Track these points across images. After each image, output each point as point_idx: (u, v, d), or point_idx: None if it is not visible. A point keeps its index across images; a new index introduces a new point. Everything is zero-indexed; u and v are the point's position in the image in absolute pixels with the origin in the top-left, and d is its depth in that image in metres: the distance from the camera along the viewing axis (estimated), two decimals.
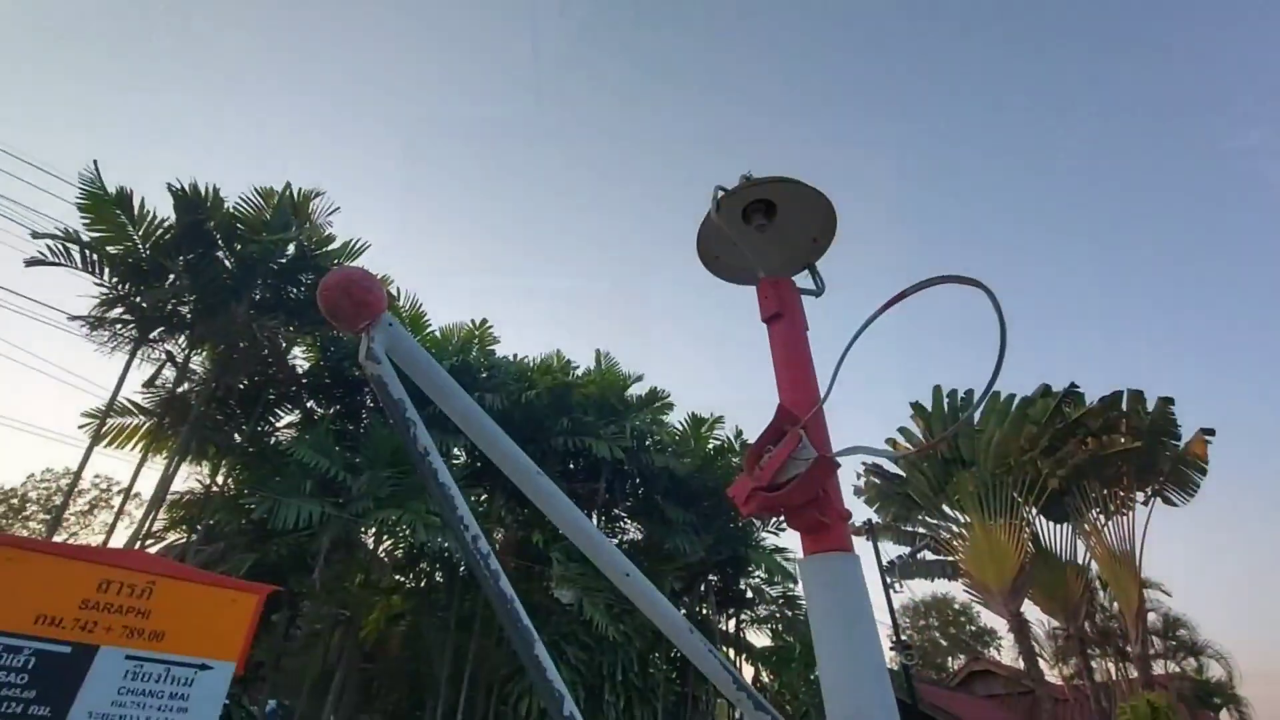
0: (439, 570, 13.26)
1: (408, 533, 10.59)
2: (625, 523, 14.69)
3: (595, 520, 14.17)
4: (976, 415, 16.71)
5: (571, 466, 13.09)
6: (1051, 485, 15.02)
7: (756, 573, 15.19)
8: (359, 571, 12.01)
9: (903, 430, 17.55)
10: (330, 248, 11.65)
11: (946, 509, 16.65)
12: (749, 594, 15.52)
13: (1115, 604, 17.26)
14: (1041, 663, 16.47)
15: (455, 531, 0.98)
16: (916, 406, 17.31)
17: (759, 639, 16.01)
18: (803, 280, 2.42)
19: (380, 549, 12.59)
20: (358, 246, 11.94)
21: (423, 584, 13.65)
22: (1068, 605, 15.48)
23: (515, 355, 14.03)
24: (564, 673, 11.24)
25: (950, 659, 36.57)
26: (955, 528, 16.52)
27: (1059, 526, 16.16)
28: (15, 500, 32.32)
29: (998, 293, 1.57)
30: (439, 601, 12.64)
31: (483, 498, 12.72)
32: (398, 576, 13.56)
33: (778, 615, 15.37)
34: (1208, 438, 15.00)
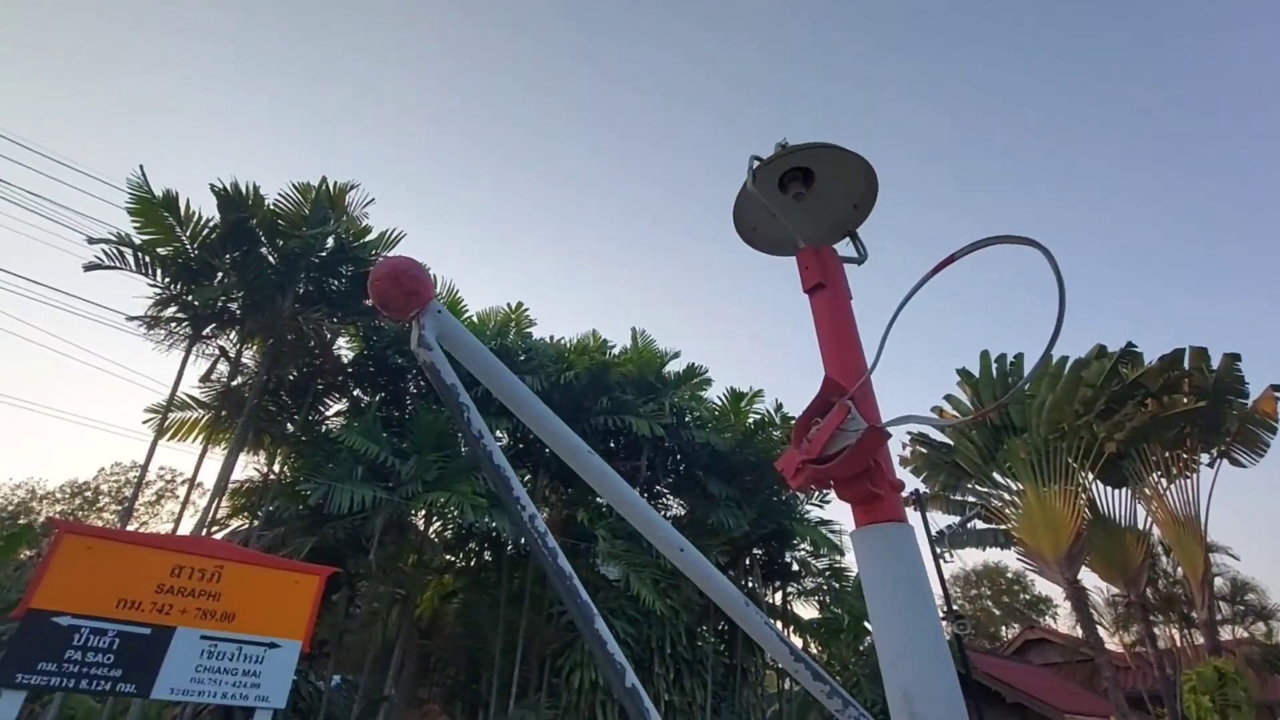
0: (487, 549, 13.62)
1: (456, 514, 10.87)
2: (668, 499, 14.80)
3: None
4: (1027, 379, 16.19)
5: (612, 445, 13.20)
6: (1108, 449, 14.50)
7: (801, 546, 15.16)
8: (411, 552, 12.41)
9: (949, 398, 17.14)
10: (367, 239, 11.88)
11: (997, 477, 16.24)
12: (794, 567, 15.52)
13: (1179, 569, 16.68)
14: (1101, 630, 16.07)
15: (511, 511, 0.99)
16: (963, 373, 16.84)
17: (806, 611, 16.03)
18: (844, 249, 2.37)
19: (430, 530, 12.97)
20: (394, 236, 12.14)
21: (472, 563, 14.05)
22: (1128, 571, 15.02)
23: (552, 337, 14.16)
24: (589, 647, 11.44)
25: (1004, 628, 36.04)
26: (1007, 495, 16.11)
27: (1117, 492, 15.62)
28: (89, 493, 34.33)
29: (1053, 251, 1.50)
30: (489, 579, 13.01)
31: (526, 479, 12.95)
32: (448, 556, 13.97)
33: (824, 587, 15.34)
34: (1278, 394, 14.26)
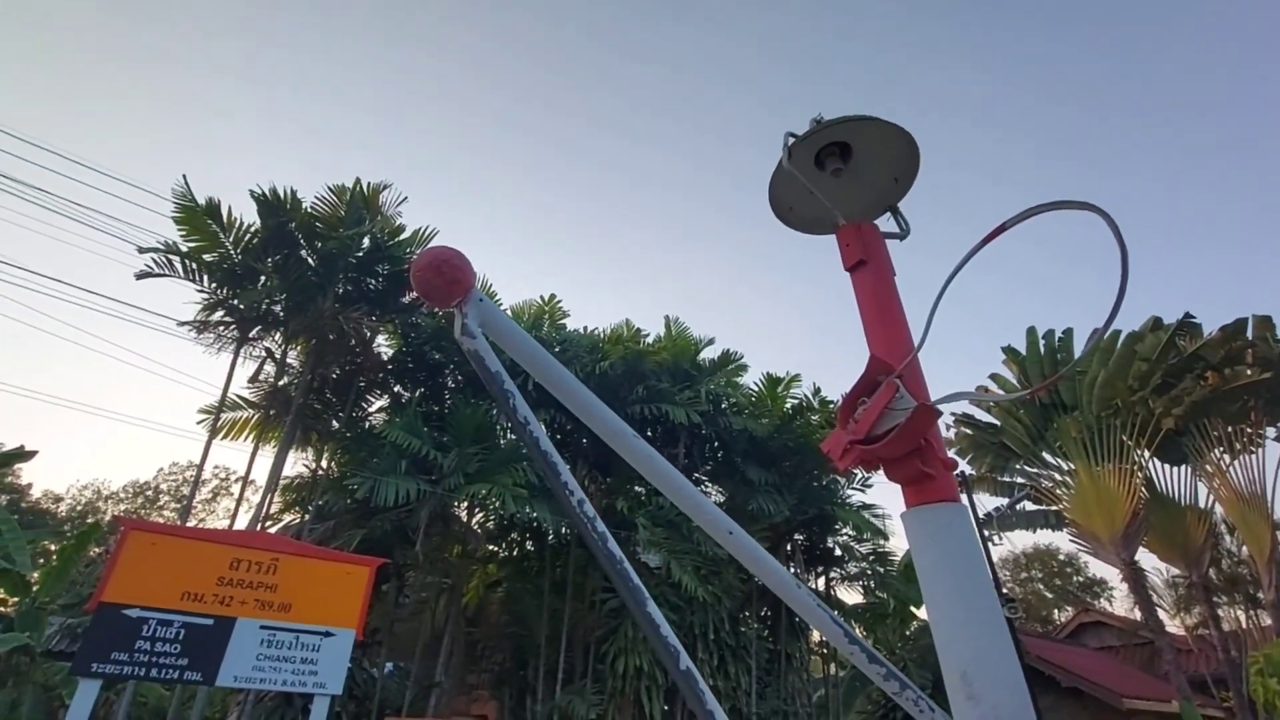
0: (529, 539, 13.82)
1: (497, 505, 11.04)
2: (707, 486, 14.77)
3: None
4: (1089, 349, 15.64)
5: (649, 434, 13.19)
6: (1166, 425, 13.93)
7: (844, 530, 14.99)
8: (456, 543, 12.67)
9: (995, 377, 16.68)
10: (401, 237, 12.09)
11: (1047, 456, 15.76)
12: (837, 552, 15.35)
13: (1244, 548, 15.97)
14: (1160, 613, 15.52)
15: (561, 497, 0.99)
16: (1009, 351, 16.35)
17: (850, 596, 15.87)
18: (885, 224, 2.30)
19: (473, 521, 13.22)
20: (427, 234, 12.31)
21: (515, 552, 14.27)
22: (1189, 552, 14.45)
23: (586, 328, 14.22)
24: (642, 631, 11.53)
25: (1056, 611, 35.13)
26: (1058, 476, 15.64)
27: (1176, 469, 15.03)
28: (150, 492, 35.97)
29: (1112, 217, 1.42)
30: (531, 568, 13.21)
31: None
32: (491, 546, 14.21)
33: (869, 572, 15.14)
34: None
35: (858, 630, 19.43)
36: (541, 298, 14.09)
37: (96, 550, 21.24)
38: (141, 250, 10.81)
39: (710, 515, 1.14)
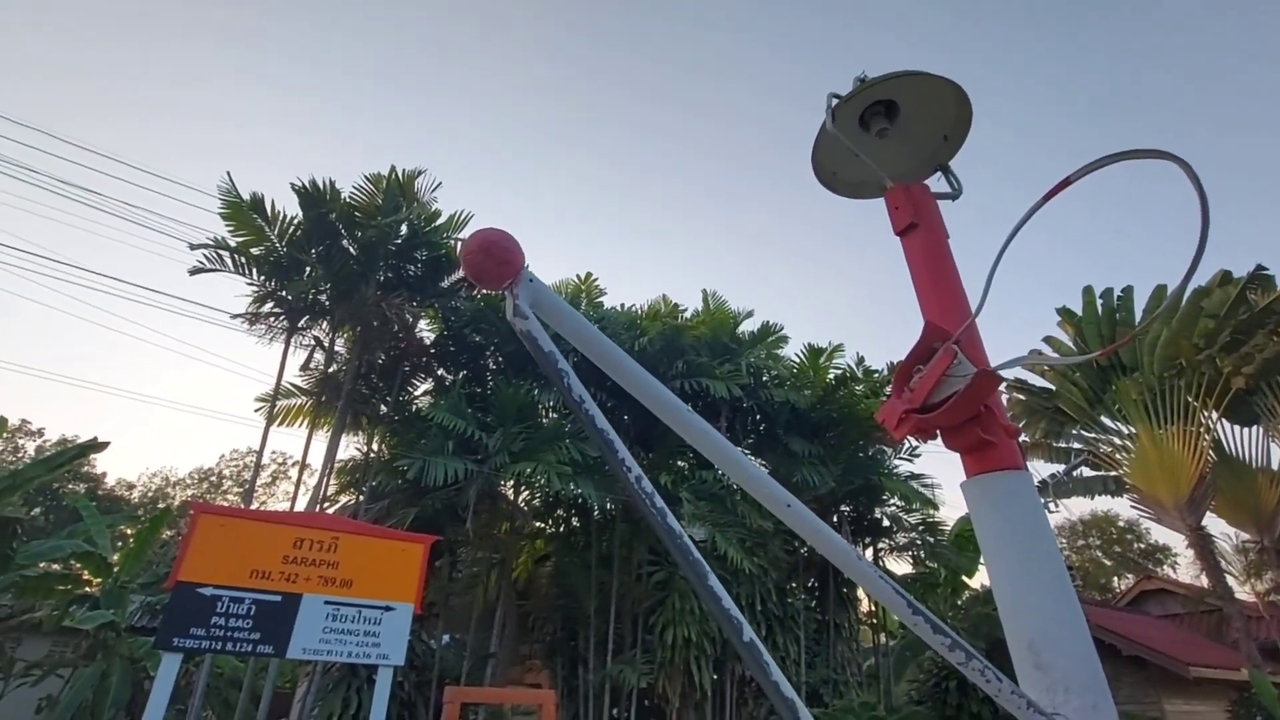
0: (575, 515, 14.06)
1: (543, 482, 11.25)
2: (750, 459, 14.72)
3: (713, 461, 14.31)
4: (1132, 313, 14.94)
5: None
6: (1235, 385, 13.22)
7: (892, 501, 14.81)
8: (504, 520, 12.99)
9: (1049, 339, 16.09)
10: (438, 223, 12.24)
11: (1106, 420, 15.16)
12: (885, 523, 15.19)
13: None
14: (1229, 579, 14.91)
15: (619, 473, 0.99)
16: (1064, 312, 15.72)
17: (899, 566, 15.73)
18: (935, 184, 2.21)
19: (520, 499, 13.51)
20: (463, 218, 12.45)
21: (562, 528, 14.55)
22: (1261, 516, 13.79)
23: (623, 305, 14.22)
24: (704, 604, 11.69)
25: (1116, 579, 34.18)
26: (1118, 440, 15.06)
27: (1246, 430, 14.30)
28: (214, 478, 37.82)
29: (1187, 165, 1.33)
30: (578, 543, 13.46)
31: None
32: (538, 523, 14.53)
33: (918, 542, 14.96)
34: None
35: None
36: (578, 276, 14.14)
37: (168, 533, 22.51)
38: (193, 247, 11.22)
39: (767, 488, 1.13)
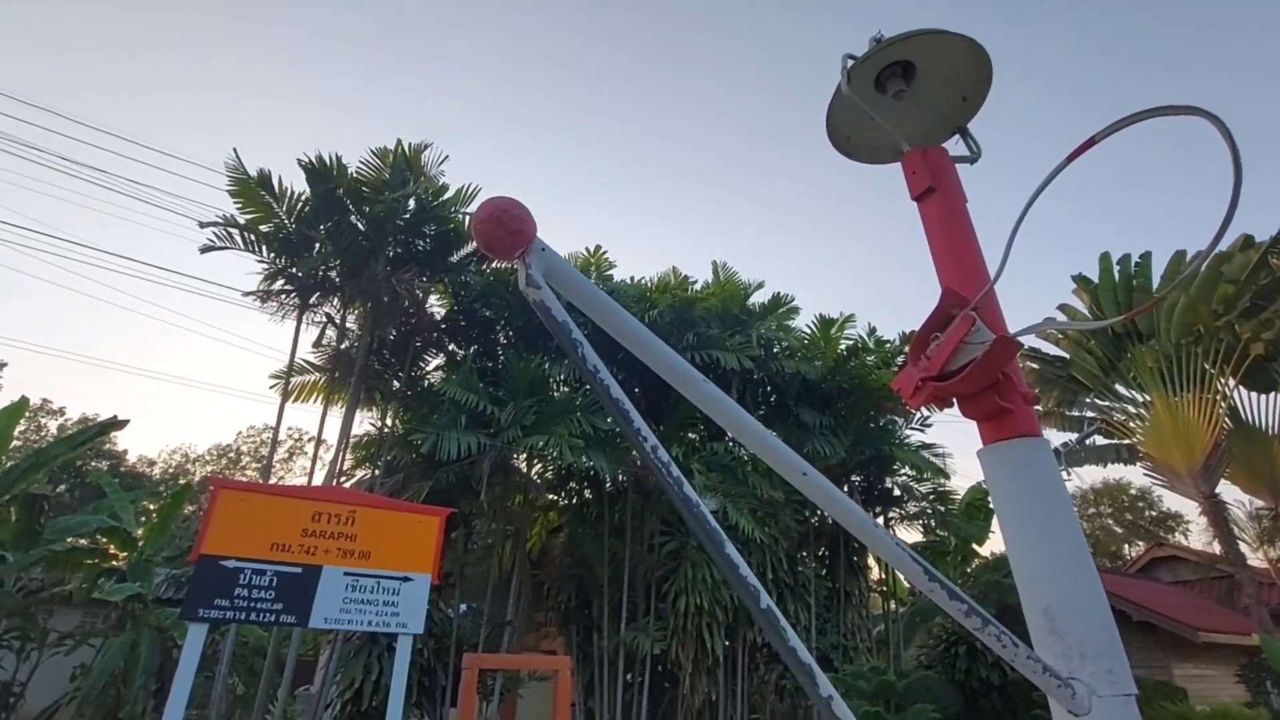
0: (587, 487, 14.20)
1: (554, 455, 11.34)
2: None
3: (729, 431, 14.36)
4: (1150, 279, 14.71)
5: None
6: (1254, 351, 13.04)
7: (903, 471, 14.84)
8: (518, 492, 13.15)
9: (1064, 307, 15.89)
10: (445, 197, 12.14)
11: (1120, 388, 15.05)
12: (896, 492, 15.25)
13: None
14: (1242, 546, 14.90)
15: (634, 442, 0.99)
16: (1080, 279, 15.49)
17: (910, 535, 15.82)
18: (953, 148, 2.15)
19: (533, 471, 13.65)
20: (470, 191, 12.35)
21: (574, 500, 14.71)
22: (1276, 483, 13.71)
23: (632, 278, 14.14)
24: (716, 572, 11.85)
25: (1127, 546, 34.25)
26: (1132, 408, 14.95)
27: (1264, 397, 14.15)
28: (232, 454, 38.45)
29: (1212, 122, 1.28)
30: (590, 514, 13.62)
31: (609, 419, 13.26)
32: (551, 495, 14.70)
33: (929, 511, 15.02)
34: None
35: None
36: (587, 249, 14.06)
37: (190, 508, 22.99)
38: (202, 225, 11.23)
39: (784, 457, 1.12)
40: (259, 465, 36.68)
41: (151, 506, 16.09)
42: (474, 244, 12.66)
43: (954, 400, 1.59)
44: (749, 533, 11.28)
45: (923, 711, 8.69)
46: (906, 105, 2.13)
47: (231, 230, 11.40)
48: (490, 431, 10.80)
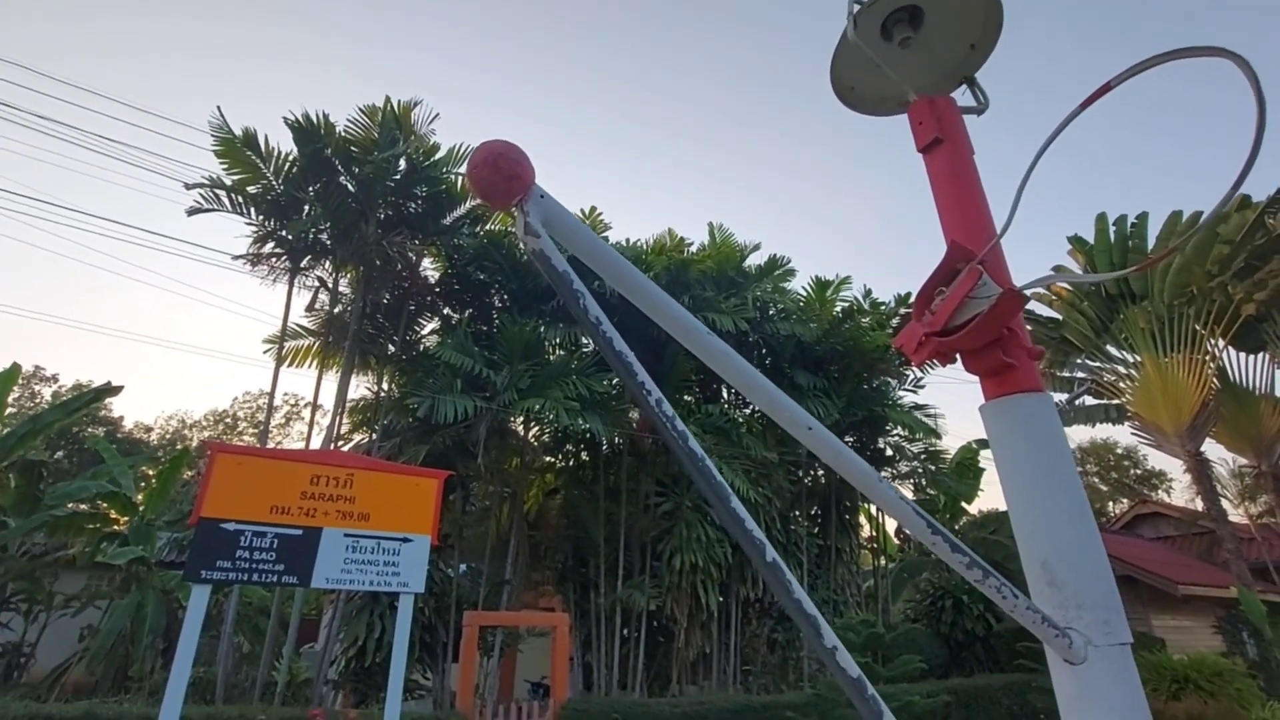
0: (583, 450, 14.31)
1: (550, 418, 11.39)
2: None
3: (725, 391, 14.43)
4: (1145, 240, 14.66)
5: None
6: (1246, 312, 13.11)
7: (895, 431, 15.00)
8: (514, 455, 13.25)
9: (1059, 268, 15.87)
10: (437, 157, 11.88)
11: (1112, 349, 15.16)
12: (889, 452, 15.44)
13: None
14: (1224, 503, 15.24)
15: (638, 396, 0.97)
16: (1076, 240, 15.44)
17: (902, 493, 16.10)
18: (960, 98, 2.09)
19: (529, 434, 13.72)
20: (462, 151, 12.07)
21: (570, 462, 14.84)
22: (1261, 441, 13.95)
23: (628, 240, 13.98)
24: (710, 532, 12.05)
25: (1111, 504, 34.98)
26: (1122, 369, 15.09)
27: (1252, 357, 14.28)
28: (229, 420, 38.47)
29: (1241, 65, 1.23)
30: (586, 476, 13.76)
31: (614, 380, 13.27)
32: (548, 457, 14.81)
33: (919, 470, 15.24)
34: None
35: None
36: (582, 211, 13.84)
37: (188, 473, 23.11)
38: (188, 186, 10.98)
39: (789, 411, 1.11)
40: (256, 431, 36.75)
41: (150, 472, 16.14)
42: (467, 206, 12.45)
43: (957, 355, 1.57)
44: (744, 492, 11.43)
45: (909, 661, 8.97)
46: (913, 53, 2.06)
47: (218, 192, 11.16)
48: (486, 395, 10.81)
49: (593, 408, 11.10)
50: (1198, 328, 13.58)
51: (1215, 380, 13.98)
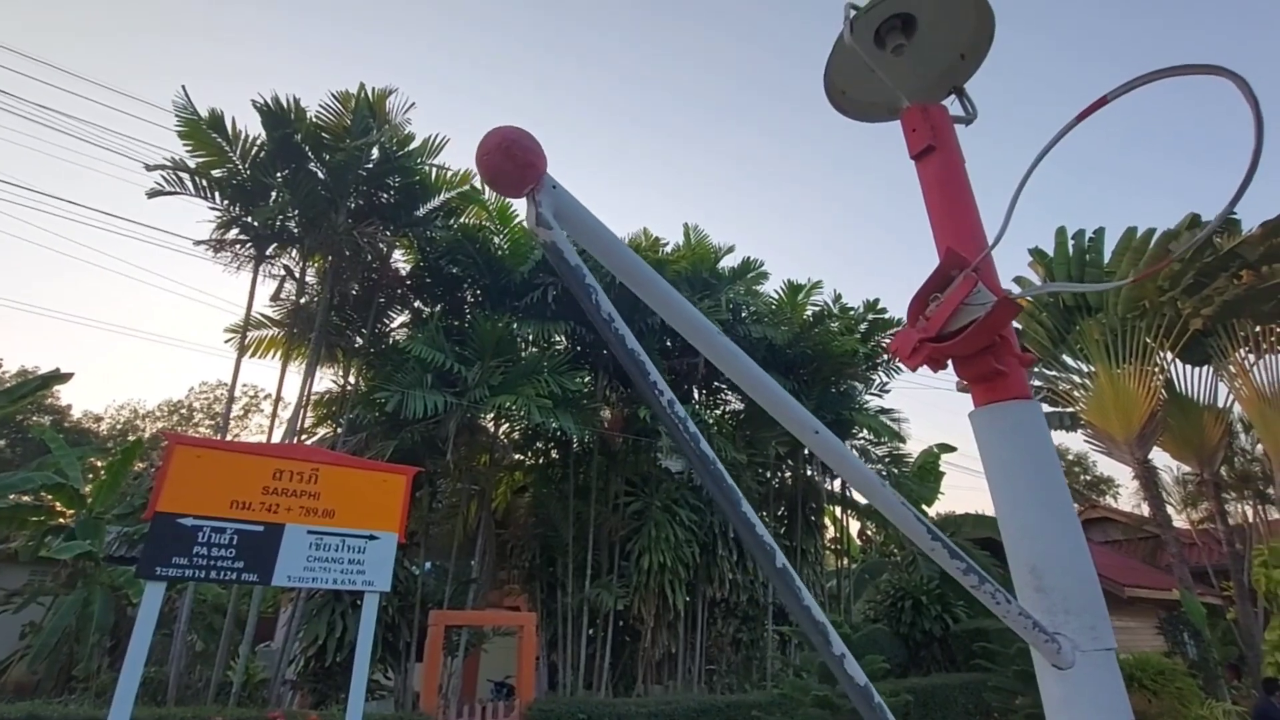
0: (554, 448, 14.22)
1: (522, 415, 11.27)
2: (726, 394, 14.95)
3: (696, 393, 14.49)
4: (1102, 254, 15.21)
5: (669, 343, 13.24)
6: (1193, 326, 13.70)
7: (860, 434, 15.26)
8: (484, 452, 13.09)
9: (1019, 280, 16.34)
10: (411, 147, 11.65)
11: (1068, 359, 15.69)
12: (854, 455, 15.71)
13: (1259, 446, 16.14)
14: (1168, 509, 15.90)
15: (649, 397, 0.95)
16: (1036, 252, 15.93)
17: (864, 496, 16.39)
18: (949, 107, 2.12)
19: (500, 431, 13.57)
20: (438, 143, 11.89)
21: (540, 460, 14.73)
22: (1204, 450, 14.59)
23: None
24: (678, 532, 12.09)
25: None
26: (1076, 378, 15.63)
27: (1197, 370, 14.93)
28: (185, 410, 37.21)
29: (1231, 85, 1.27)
30: (556, 475, 13.68)
31: (587, 379, 13.21)
32: (518, 455, 14.67)
33: (884, 473, 15.53)
34: None
35: (870, 528, 20.19)
36: None
37: (140, 465, 22.26)
38: (149, 168, 10.57)
39: (794, 414, 1.10)
40: (213, 422, 35.62)
41: (99, 464, 15.51)
42: (441, 198, 12.25)
43: (949, 362, 1.59)
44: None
45: (874, 661, 9.13)
46: (905, 61, 2.08)
47: (182, 175, 10.76)
48: (457, 391, 10.65)
49: (565, 406, 11.03)
50: (1148, 341, 14.14)
51: (1163, 391, 14.58)
